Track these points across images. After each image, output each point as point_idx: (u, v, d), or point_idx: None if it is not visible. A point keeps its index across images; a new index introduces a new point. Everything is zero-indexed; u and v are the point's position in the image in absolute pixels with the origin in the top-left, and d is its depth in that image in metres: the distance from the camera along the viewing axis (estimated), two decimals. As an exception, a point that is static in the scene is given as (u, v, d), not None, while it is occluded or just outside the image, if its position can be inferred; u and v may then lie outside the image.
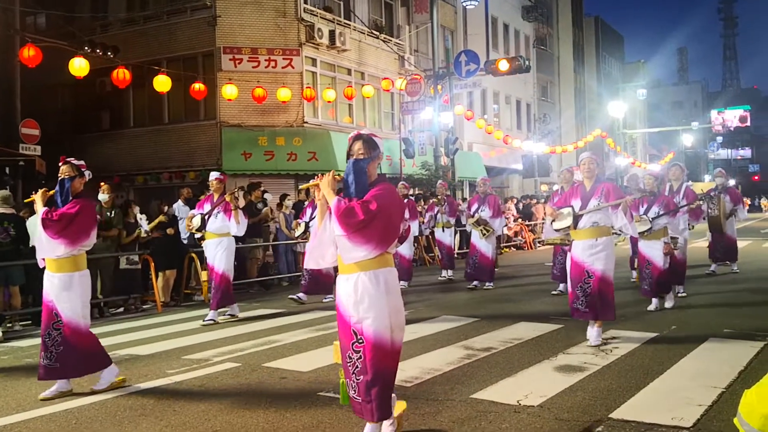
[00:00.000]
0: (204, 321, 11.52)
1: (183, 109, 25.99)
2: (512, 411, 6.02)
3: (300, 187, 5.69)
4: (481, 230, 14.83)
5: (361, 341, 5.05)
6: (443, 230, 17.03)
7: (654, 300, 11.29)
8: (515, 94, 43.59)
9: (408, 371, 7.50)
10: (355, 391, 5.09)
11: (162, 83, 20.65)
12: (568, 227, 8.79)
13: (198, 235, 12.26)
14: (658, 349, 8.35)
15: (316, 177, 5.28)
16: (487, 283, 15.07)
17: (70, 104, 28.06)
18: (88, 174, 7.49)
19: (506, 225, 26.05)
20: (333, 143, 25.19)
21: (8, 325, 11.98)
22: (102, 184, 14.18)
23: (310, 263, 5.44)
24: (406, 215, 15.29)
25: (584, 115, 56.97)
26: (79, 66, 17.35)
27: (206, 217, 11.62)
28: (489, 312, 11.67)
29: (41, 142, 20.40)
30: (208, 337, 10.15)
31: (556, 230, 9.15)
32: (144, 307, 14.11)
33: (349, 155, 5.29)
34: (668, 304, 11.34)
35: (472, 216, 15.07)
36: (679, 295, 12.33)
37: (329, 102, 26.33)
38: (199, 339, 10.09)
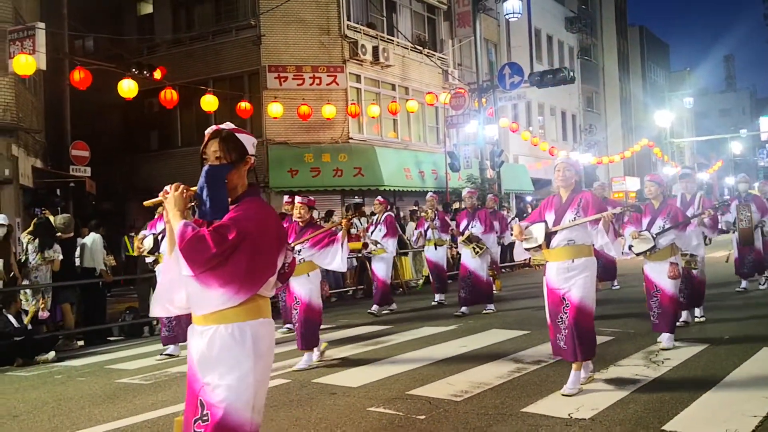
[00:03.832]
0: (160, 355, 10.28)
1: (230, 128, 26.18)
2: (564, 424, 5.98)
3: (144, 203, 4.55)
4: (473, 248, 13.32)
5: (206, 418, 3.72)
6: (435, 248, 15.22)
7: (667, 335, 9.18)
8: (560, 105, 43.41)
9: (457, 385, 7.50)
10: None
11: (209, 103, 20.94)
12: (539, 246, 7.33)
13: (150, 259, 10.60)
14: (711, 360, 8.24)
15: (161, 193, 3.85)
16: (487, 306, 13.61)
17: (119, 125, 28.57)
18: None
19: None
20: (378, 158, 25.43)
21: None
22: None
23: (156, 310, 3.99)
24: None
25: (630, 125, 56.48)
26: (128, 88, 17.62)
27: (159, 237, 10.12)
28: (538, 325, 11.53)
29: (91, 163, 20.81)
30: (257, 354, 10.15)
31: (526, 249, 7.57)
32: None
33: (203, 160, 3.90)
34: (664, 344, 9.05)
35: (462, 233, 13.69)
36: (697, 319, 10.86)
37: (374, 117, 26.47)
38: (249, 355, 10.11)
